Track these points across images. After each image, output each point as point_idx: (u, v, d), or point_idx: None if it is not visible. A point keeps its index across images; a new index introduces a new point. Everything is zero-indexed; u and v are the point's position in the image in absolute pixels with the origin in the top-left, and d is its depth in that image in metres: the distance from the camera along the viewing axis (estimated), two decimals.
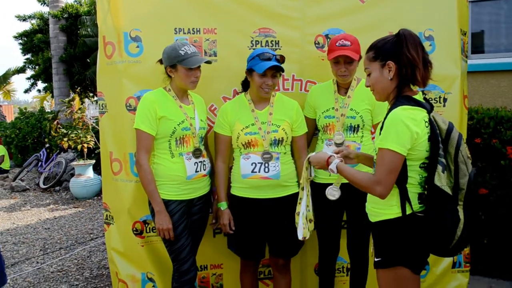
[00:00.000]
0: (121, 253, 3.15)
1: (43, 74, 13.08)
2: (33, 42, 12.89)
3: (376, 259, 2.09)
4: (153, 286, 3.13)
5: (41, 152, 10.02)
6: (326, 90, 2.95)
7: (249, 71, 2.76)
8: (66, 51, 11.49)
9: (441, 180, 1.92)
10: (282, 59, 2.74)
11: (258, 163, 2.75)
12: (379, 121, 2.55)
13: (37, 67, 13.66)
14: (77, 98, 9.91)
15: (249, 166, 2.76)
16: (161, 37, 2.95)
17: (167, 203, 2.68)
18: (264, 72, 2.65)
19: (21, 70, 15.34)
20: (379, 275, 2.10)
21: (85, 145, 8.25)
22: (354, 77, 2.86)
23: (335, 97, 2.89)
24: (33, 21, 13.46)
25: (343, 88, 2.91)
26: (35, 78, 14.02)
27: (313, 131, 3.04)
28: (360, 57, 2.73)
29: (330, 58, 2.77)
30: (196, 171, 2.73)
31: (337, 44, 2.74)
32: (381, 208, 2.06)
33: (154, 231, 3.03)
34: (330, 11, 3.15)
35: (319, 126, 2.96)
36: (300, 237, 2.47)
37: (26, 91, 15.04)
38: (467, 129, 3.43)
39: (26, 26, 16.30)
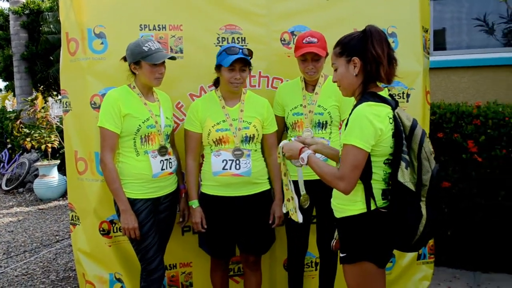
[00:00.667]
0: (88, 254, 3.09)
1: (4, 72, 12.67)
2: None
3: (341, 255, 2.12)
4: (122, 286, 3.09)
5: (3, 153, 9.72)
6: (294, 88, 2.97)
7: (218, 67, 2.74)
8: (28, 49, 11.17)
9: (404, 176, 1.94)
10: (249, 53, 2.73)
11: (229, 160, 2.74)
12: (346, 117, 2.58)
13: None
14: (40, 97, 9.64)
15: (220, 163, 2.75)
16: (126, 33, 2.91)
17: (132, 202, 2.64)
18: (232, 66, 2.64)
19: None
20: (345, 270, 2.13)
21: (49, 145, 8.04)
22: (321, 73, 2.89)
23: (303, 94, 2.91)
24: None
25: (310, 85, 2.93)
26: None
27: (283, 129, 3.05)
28: (327, 54, 2.76)
29: (297, 56, 2.79)
30: (162, 169, 2.70)
31: (303, 41, 2.76)
32: (346, 204, 2.08)
33: (121, 230, 2.99)
34: (295, 8, 3.17)
35: (288, 123, 2.97)
36: (300, 221, 2.43)
37: None
38: (430, 124, 3.52)
39: None
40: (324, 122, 2.87)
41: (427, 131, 3.39)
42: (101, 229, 3.01)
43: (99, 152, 2.67)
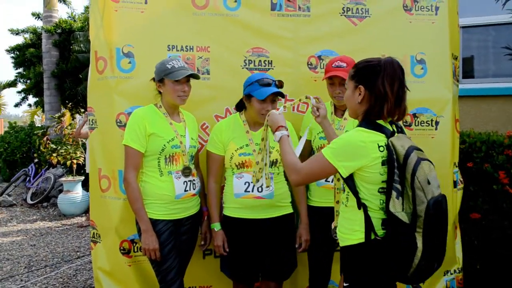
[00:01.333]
0: (107, 273, 3.07)
1: (34, 89, 13.01)
2: (25, 56, 12.84)
3: (344, 284, 2.07)
4: None
5: (29, 167, 9.88)
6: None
7: (248, 96, 2.70)
8: (58, 66, 11.45)
9: (395, 206, 1.91)
10: (280, 84, 2.72)
11: (252, 182, 2.70)
12: None
13: (28, 81, 13.59)
14: (68, 114, 9.86)
15: (242, 185, 2.71)
16: (154, 53, 2.94)
17: (154, 222, 2.62)
18: (264, 99, 2.62)
19: (12, 84, 15.23)
20: None
21: (75, 161, 8.16)
22: None
23: (332, 118, 2.87)
24: (26, 35, 13.44)
25: (340, 110, 2.90)
26: (26, 92, 13.94)
27: (310, 152, 3.00)
28: None
29: (324, 78, 2.78)
30: (185, 190, 2.68)
31: (333, 65, 2.75)
32: (346, 233, 2.07)
33: (141, 250, 2.96)
34: (322, 32, 3.17)
35: (314, 147, 2.93)
36: (265, 186, 2.54)
37: (16, 105, 14.91)
38: (460, 153, 3.43)
39: (19, 40, 16.28)
40: None
41: (457, 160, 3.31)
42: (121, 248, 2.99)
43: (123, 171, 2.66)
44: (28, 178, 9.32)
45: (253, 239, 2.76)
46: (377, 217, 1.99)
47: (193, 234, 2.85)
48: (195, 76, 2.70)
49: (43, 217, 7.77)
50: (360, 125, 2.03)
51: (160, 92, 2.71)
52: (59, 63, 11.51)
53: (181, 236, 2.76)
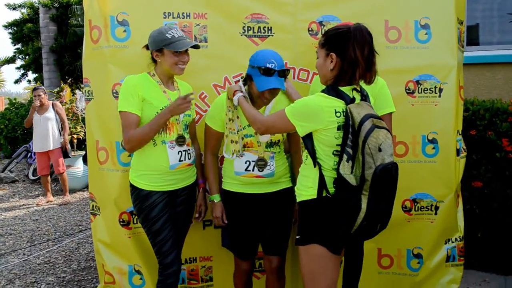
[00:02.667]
0: (107, 245, 3.07)
1: (33, 64, 12.90)
2: (23, 31, 12.70)
3: (296, 237, 2.24)
4: (141, 278, 3.06)
5: (30, 143, 9.83)
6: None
7: (249, 77, 2.59)
8: (57, 41, 11.33)
9: (344, 168, 2.04)
10: (287, 73, 2.59)
11: (253, 161, 2.63)
12: (381, 114, 2.52)
13: (27, 57, 13.47)
14: (68, 89, 9.76)
15: (242, 164, 2.64)
16: (150, 21, 2.85)
17: (148, 194, 2.58)
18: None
19: (11, 60, 15.09)
20: (299, 252, 2.23)
21: (75, 136, 8.13)
22: None
23: None
24: (23, 10, 13.27)
25: None
26: (25, 68, 13.83)
27: None
28: None
29: None
30: (180, 160, 2.62)
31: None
32: (301, 190, 2.24)
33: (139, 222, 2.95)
34: None
35: None
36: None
37: (16, 82, 14.83)
38: (463, 121, 3.36)
39: (16, 15, 16.05)
40: None
41: (460, 128, 3.24)
42: (121, 220, 2.96)
43: (121, 143, 2.61)
44: (29, 154, 9.28)
45: (253, 213, 2.72)
46: (329, 176, 2.13)
47: (189, 205, 2.81)
48: (196, 46, 2.62)
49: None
50: (323, 90, 2.14)
51: (154, 61, 2.63)
52: (57, 38, 11.38)
53: (176, 207, 2.72)
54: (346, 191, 2.05)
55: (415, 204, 3.16)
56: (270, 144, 2.65)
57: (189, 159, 2.67)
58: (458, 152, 3.20)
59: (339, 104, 2.08)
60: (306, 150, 2.20)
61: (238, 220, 2.74)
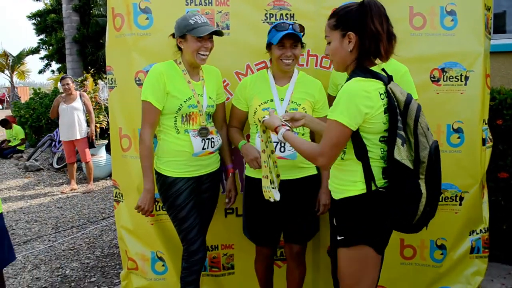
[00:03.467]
0: (130, 231, 3.11)
1: (57, 55, 13.11)
2: (46, 22, 12.88)
3: (339, 238, 2.03)
4: (163, 265, 3.09)
5: (54, 132, 9.99)
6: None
7: (268, 45, 2.62)
8: (79, 31, 11.46)
9: (401, 153, 1.87)
10: (301, 29, 2.58)
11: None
12: None
13: (50, 47, 13.67)
14: (91, 79, 9.87)
15: None
16: (172, 8, 2.85)
17: (174, 181, 2.59)
18: (281, 42, 2.51)
19: (35, 50, 15.39)
20: (341, 254, 2.04)
21: (98, 125, 8.23)
22: None
23: None
24: (47, 1, 13.45)
25: None
26: (48, 58, 14.05)
27: None
28: None
29: None
30: (203, 149, 2.62)
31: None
32: (345, 185, 2.00)
33: (163, 209, 2.96)
34: None
35: None
36: (277, 199, 2.39)
37: (40, 72, 15.09)
38: (489, 110, 3.28)
39: (40, 6, 16.29)
40: None
41: (486, 117, 3.17)
42: None
43: (141, 125, 2.62)
44: (53, 143, 9.46)
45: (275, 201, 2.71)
46: (377, 166, 1.95)
47: (214, 192, 2.82)
48: (219, 33, 2.60)
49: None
50: (354, 75, 1.92)
51: (180, 49, 2.63)
52: (80, 28, 11.50)
53: (202, 194, 2.73)
54: (404, 178, 1.88)
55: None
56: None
57: (212, 147, 2.66)
58: (484, 142, 3.13)
59: (380, 85, 1.90)
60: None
61: (259, 207, 2.73)
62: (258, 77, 2.76)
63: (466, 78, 3.04)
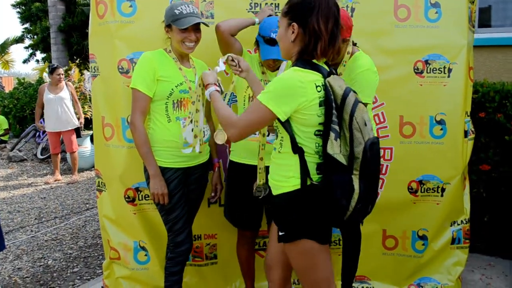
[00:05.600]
0: (113, 221, 3.08)
1: (42, 44, 12.92)
2: (31, 10, 12.67)
3: (280, 233, 2.01)
4: (146, 255, 3.07)
5: (40, 121, 9.92)
6: None
7: (257, 42, 2.68)
8: (65, 21, 11.31)
9: (333, 148, 1.85)
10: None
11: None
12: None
13: (35, 36, 13.47)
14: (76, 70, 9.76)
15: None
16: None
17: (163, 170, 2.56)
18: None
19: (20, 39, 15.14)
20: (286, 249, 2.04)
21: (83, 115, 8.14)
22: (348, 50, 2.60)
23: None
24: None
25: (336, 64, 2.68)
26: (33, 48, 13.84)
27: None
28: (342, 39, 2.50)
29: None
30: (194, 138, 2.58)
31: None
32: (280, 181, 1.98)
33: (146, 198, 2.96)
34: None
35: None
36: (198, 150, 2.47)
37: (24, 61, 14.87)
38: (472, 103, 3.30)
39: None
40: None
41: (469, 109, 3.20)
42: (126, 196, 2.97)
43: (127, 118, 2.60)
44: (37, 134, 9.35)
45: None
46: (312, 161, 1.94)
47: (202, 184, 2.81)
48: (203, 24, 2.57)
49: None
50: (295, 64, 1.92)
51: (169, 37, 2.60)
52: (65, 17, 11.35)
53: (190, 186, 2.71)
54: (337, 173, 1.86)
55: (421, 185, 3.14)
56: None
57: (203, 137, 2.63)
58: (466, 133, 3.16)
59: (318, 78, 1.89)
60: (279, 137, 2.01)
61: (241, 192, 2.75)
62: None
63: (450, 70, 3.06)
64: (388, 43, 3.03)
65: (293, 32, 1.92)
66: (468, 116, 3.20)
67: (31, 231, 4.96)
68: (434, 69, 3.04)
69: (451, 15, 3.04)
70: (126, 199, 2.97)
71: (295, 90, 1.83)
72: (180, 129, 2.55)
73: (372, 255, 3.20)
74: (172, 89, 2.52)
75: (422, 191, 3.14)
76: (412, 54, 3.04)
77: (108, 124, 2.97)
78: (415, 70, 3.03)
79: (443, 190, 3.13)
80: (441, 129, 3.07)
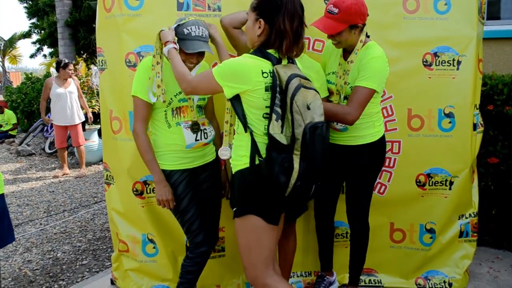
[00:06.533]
0: (121, 214, 3.10)
1: (49, 39, 12.96)
2: (38, 5, 12.70)
3: (234, 209, 2.18)
4: (154, 247, 3.09)
5: (48, 116, 9.97)
6: (334, 51, 2.78)
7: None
8: (72, 15, 11.32)
9: (274, 128, 2.00)
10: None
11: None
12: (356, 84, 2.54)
13: (42, 31, 13.51)
14: (84, 64, 9.78)
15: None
16: None
17: (169, 174, 2.55)
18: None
19: (27, 34, 15.24)
20: (236, 224, 2.19)
21: (90, 109, 8.18)
22: (360, 38, 2.54)
23: (339, 61, 2.69)
24: None
25: (347, 51, 2.64)
26: (40, 42, 13.88)
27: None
28: (354, 25, 2.49)
29: (312, 24, 2.51)
30: (196, 140, 2.56)
31: (327, 9, 2.49)
32: (235, 160, 2.17)
33: (154, 191, 2.96)
34: None
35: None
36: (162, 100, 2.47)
37: (32, 56, 14.93)
38: (480, 95, 3.29)
39: None
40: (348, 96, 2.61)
41: (478, 102, 3.18)
42: (134, 189, 2.99)
43: (133, 120, 2.59)
44: (45, 128, 9.40)
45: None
46: (262, 141, 2.08)
47: (213, 183, 2.76)
48: (209, 51, 2.48)
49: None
50: (250, 52, 2.11)
51: None
52: (72, 12, 11.36)
53: (201, 185, 2.69)
54: (278, 152, 2.00)
55: (430, 178, 3.13)
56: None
57: (205, 138, 2.60)
58: (475, 126, 3.15)
59: (266, 65, 2.05)
60: (238, 118, 2.14)
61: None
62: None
63: (459, 62, 3.04)
64: (396, 35, 3.01)
65: (259, 27, 2.08)
66: (477, 108, 3.17)
67: (40, 224, 5.01)
68: (443, 61, 3.02)
69: (461, 7, 3.01)
70: (134, 192, 2.99)
71: (240, 73, 2.02)
72: (182, 132, 2.54)
73: (379, 248, 3.20)
74: (171, 99, 2.50)
75: (430, 184, 3.13)
76: (421, 47, 3.01)
77: (116, 117, 2.98)
78: (424, 63, 3.01)
79: (451, 183, 3.12)
80: (450, 122, 3.05)
